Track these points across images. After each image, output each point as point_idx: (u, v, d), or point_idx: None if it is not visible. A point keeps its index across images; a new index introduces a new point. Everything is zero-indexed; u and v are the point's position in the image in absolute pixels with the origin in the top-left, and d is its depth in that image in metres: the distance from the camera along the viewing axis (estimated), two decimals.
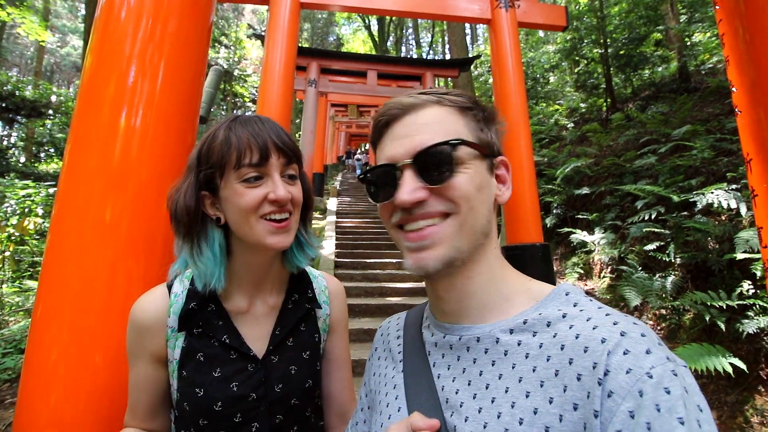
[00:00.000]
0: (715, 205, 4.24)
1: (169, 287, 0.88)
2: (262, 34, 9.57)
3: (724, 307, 3.43)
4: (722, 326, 3.32)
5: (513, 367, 0.52)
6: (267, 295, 0.91)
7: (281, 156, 0.80)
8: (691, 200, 4.56)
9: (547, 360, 0.49)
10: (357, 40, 31.26)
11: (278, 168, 0.81)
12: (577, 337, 0.48)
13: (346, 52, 18.33)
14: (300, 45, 10.86)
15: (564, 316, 0.52)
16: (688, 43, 8.93)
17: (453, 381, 0.58)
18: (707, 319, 3.46)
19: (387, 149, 0.61)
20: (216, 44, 23.54)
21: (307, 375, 0.89)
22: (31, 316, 1.33)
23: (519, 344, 0.53)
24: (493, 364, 0.54)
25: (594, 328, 0.47)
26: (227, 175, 0.79)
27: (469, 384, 0.55)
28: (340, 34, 33.90)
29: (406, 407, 0.61)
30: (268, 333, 0.88)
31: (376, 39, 25.45)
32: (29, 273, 6.86)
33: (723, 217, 4.52)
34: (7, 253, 5.81)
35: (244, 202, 0.78)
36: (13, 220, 5.76)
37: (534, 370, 0.50)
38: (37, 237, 6.55)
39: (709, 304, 3.47)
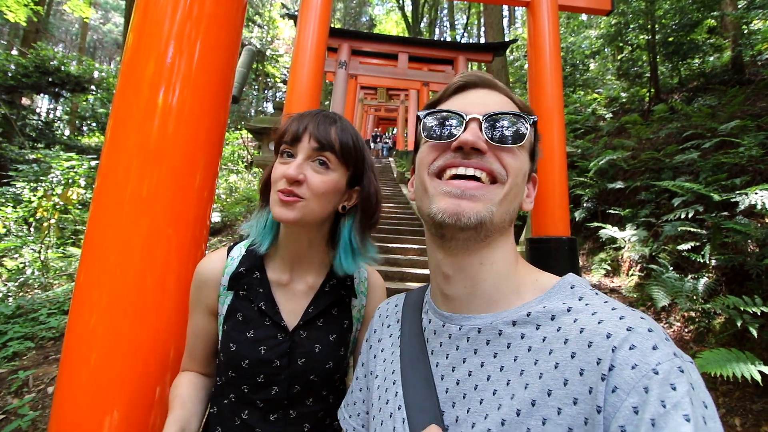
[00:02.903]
0: (759, 207, 3.98)
1: (230, 251, 0.98)
2: (295, 14, 9.55)
3: (759, 313, 3.27)
4: (755, 333, 3.18)
5: (515, 360, 0.51)
6: (306, 274, 0.97)
7: (312, 140, 0.85)
8: (732, 200, 4.30)
9: (549, 353, 0.48)
10: (390, 21, 30.67)
11: (307, 151, 0.85)
12: (581, 332, 0.47)
13: (377, 33, 18.02)
14: (332, 26, 10.76)
15: (569, 310, 0.51)
16: (746, 31, 8.27)
17: (453, 371, 0.57)
18: (739, 324, 3.31)
19: (457, 105, 0.61)
20: (250, 24, 23.68)
21: (329, 356, 0.93)
22: (73, 281, 1.44)
23: (522, 337, 0.52)
24: (495, 356, 0.54)
25: (599, 323, 0.47)
26: (279, 151, 0.91)
27: (470, 375, 0.55)
28: (372, 14, 33.35)
29: (402, 394, 0.60)
30: (302, 309, 0.94)
31: (410, 20, 24.87)
32: (72, 240, 7.31)
33: (767, 220, 4.27)
34: (52, 221, 6.20)
35: (273, 173, 0.88)
36: (58, 190, 6.11)
37: (536, 363, 0.49)
38: (80, 207, 6.93)
39: (742, 309, 3.32)
